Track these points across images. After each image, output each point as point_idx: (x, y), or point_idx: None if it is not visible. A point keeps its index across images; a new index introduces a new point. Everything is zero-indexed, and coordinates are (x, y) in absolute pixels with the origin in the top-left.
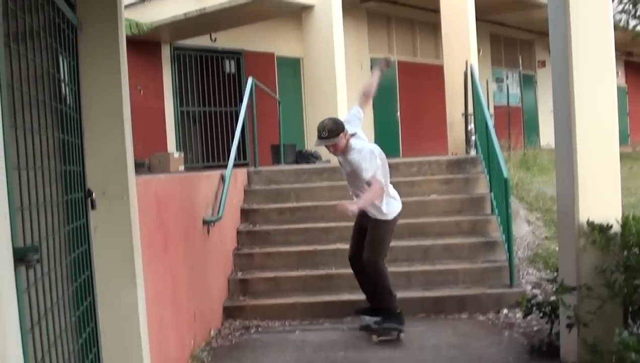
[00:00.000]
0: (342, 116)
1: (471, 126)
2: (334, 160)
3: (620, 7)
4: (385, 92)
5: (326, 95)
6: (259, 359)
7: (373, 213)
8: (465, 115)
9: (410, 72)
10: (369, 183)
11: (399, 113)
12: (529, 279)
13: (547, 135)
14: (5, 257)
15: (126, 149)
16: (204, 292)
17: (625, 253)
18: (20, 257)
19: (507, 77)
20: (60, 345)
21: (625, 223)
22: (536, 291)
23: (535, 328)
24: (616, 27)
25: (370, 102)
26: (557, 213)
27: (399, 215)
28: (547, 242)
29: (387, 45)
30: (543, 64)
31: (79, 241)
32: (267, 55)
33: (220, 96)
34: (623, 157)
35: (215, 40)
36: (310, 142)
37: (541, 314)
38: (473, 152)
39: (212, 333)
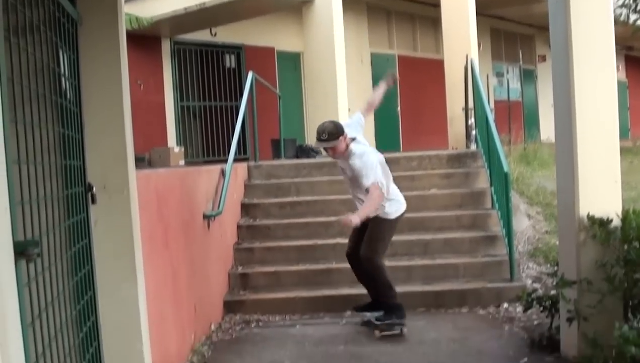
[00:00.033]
0: (343, 120)
1: (471, 120)
2: None
3: (620, 2)
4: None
5: (326, 90)
6: (259, 353)
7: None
8: (466, 109)
9: (410, 67)
10: (367, 190)
11: (399, 107)
12: (529, 273)
13: (547, 130)
14: (5, 250)
15: (126, 143)
16: (204, 286)
17: (626, 247)
18: (21, 250)
19: (507, 72)
20: (60, 339)
21: (625, 217)
22: (536, 285)
23: (535, 323)
24: (616, 21)
25: (372, 112)
26: (557, 208)
27: (401, 216)
28: (548, 236)
29: (388, 39)
30: (543, 58)
31: (80, 235)
32: (267, 49)
33: (220, 91)
34: (623, 151)
35: (215, 34)
36: (311, 136)
37: (541, 308)
38: (473, 147)
39: (213, 327)
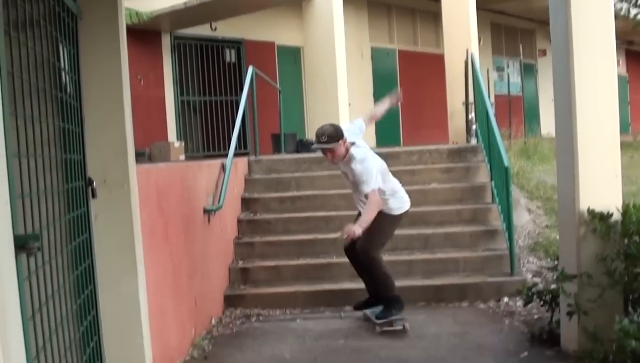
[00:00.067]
0: (343, 116)
1: (472, 115)
2: None
3: None
4: (385, 81)
5: (327, 84)
6: (260, 347)
7: None
8: (466, 104)
9: (410, 61)
10: (367, 196)
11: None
12: (530, 268)
13: (547, 124)
14: (6, 244)
15: (127, 137)
16: (204, 280)
17: (626, 241)
18: (21, 244)
19: (507, 66)
20: (61, 333)
21: (625, 212)
22: (537, 279)
23: (535, 317)
24: (617, 16)
25: (373, 124)
26: (557, 202)
27: (404, 215)
28: (548, 230)
29: (388, 34)
30: (544, 52)
31: (80, 229)
32: (267, 44)
33: (220, 85)
34: (624, 146)
35: (215, 29)
36: (311, 131)
37: (542, 302)
38: (474, 141)
39: (213, 321)
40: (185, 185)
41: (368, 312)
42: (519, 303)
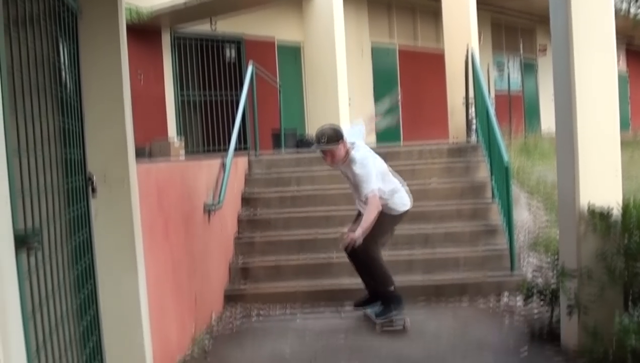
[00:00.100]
0: (343, 112)
1: (472, 112)
2: None
3: None
4: (385, 78)
5: (327, 81)
6: (260, 344)
7: None
8: (466, 101)
9: (411, 58)
10: (366, 199)
11: (399, 99)
12: (530, 265)
13: (548, 122)
14: (6, 240)
15: (127, 135)
16: (205, 277)
17: (626, 238)
18: (21, 241)
19: (508, 63)
20: (61, 330)
21: (625, 209)
22: (537, 276)
23: (535, 314)
24: (617, 14)
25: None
26: (557, 199)
27: (404, 215)
28: (548, 227)
29: (388, 30)
30: (544, 50)
31: (80, 227)
32: (267, 41)
33: (220, 82)
34: (624, 143)
35: (215, 26)
36: (311, 128)
37: (542, 299)
38: (474, 138)
39: (214, 318)
40: (185, 183)
41: (368, 310)
42: (519, 300)
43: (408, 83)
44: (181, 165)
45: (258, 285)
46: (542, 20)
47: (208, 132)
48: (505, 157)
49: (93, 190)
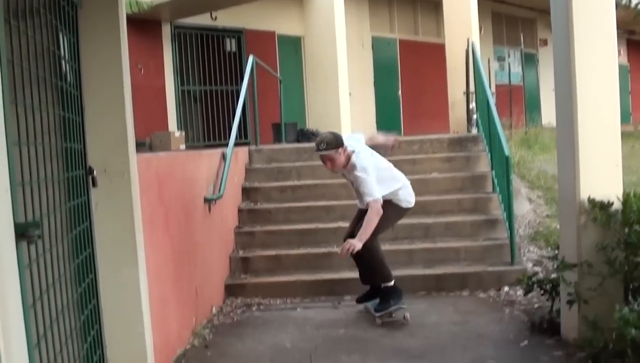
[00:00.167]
0: (343, 108)
1: (472, 104)
2: None
3: None
4: (386, 71)
5: (327, 74)
6: (260, 336)
7: None
8: (467, 93)
9: (411, 51)
10: (367, 205)
11: (400, 91)
12: (530, 257)
13: (548, 114)
14: (6, 232)
15: (127, 126)
16: (205, 269)
17: (626, 230)
18: (22, 232)
19: (508, 56)
20: (62, 322)
21: (626, 201)
22: (537, 269)
23: (536, 306)
24: (618, 5)
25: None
26: (558, 191)
27: (406, 210)
28: (548, 220)
29: (389, 23)
30: (545, 42)
31: (80, 218)
32: (268, 33)
33: (221, 75)
34: (625, 135)
35: (215, 18)
36: (312, 120)
37: (542, 291)
38: (474, 131)
39: (214, 310)
40: (185, 175)
41: (369, 304)
42: (520, 292)
43: (409, 76)
44: (181, 157)
45: (258, 277)
46: (542, 11)
47: (208, 125)
48: (506, 149)
49: (93, 181)
